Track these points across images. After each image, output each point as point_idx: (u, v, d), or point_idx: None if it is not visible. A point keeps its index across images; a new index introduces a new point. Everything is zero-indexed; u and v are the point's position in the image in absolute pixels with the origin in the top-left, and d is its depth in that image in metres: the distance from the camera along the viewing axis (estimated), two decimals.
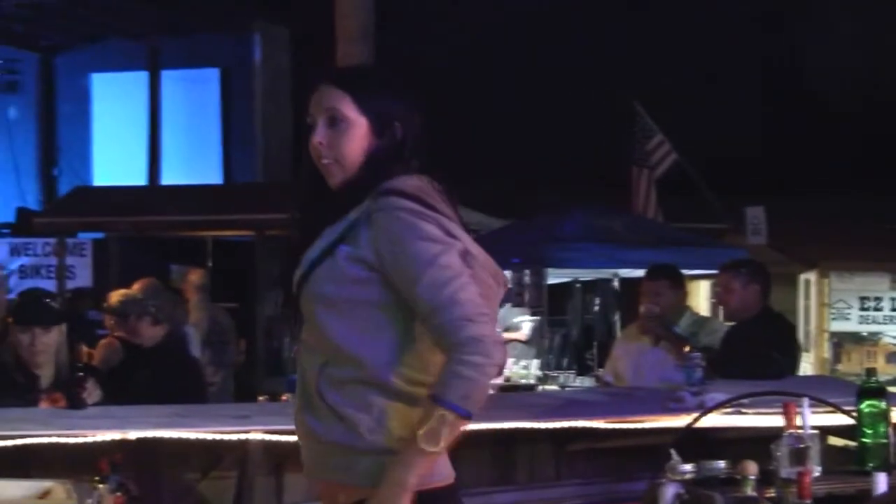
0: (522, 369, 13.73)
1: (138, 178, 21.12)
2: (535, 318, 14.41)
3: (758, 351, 6.76)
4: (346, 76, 3.57)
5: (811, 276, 15.70)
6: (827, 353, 15.46)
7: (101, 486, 4.61)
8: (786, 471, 4.43)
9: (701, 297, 15.74)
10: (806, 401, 4.63)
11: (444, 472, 3.32)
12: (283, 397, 8.69)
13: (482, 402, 3.16)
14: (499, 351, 3.13)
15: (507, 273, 13.05)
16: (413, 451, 3.14)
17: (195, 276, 11.09)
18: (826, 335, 15.50)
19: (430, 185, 3.31)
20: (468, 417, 3.14)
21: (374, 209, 3.26)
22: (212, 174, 22.83)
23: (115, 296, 9.03)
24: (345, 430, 3.29)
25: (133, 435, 4.99)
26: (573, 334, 16.75)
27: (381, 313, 3.27)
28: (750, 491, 4.24)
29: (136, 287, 9.17)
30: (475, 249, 3.27)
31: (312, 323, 3.36)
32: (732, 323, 7.39)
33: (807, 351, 15.23)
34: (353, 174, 3.38)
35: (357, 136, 3.41)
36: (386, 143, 3.39)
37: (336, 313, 3.31)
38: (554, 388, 12.74)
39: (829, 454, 5.33)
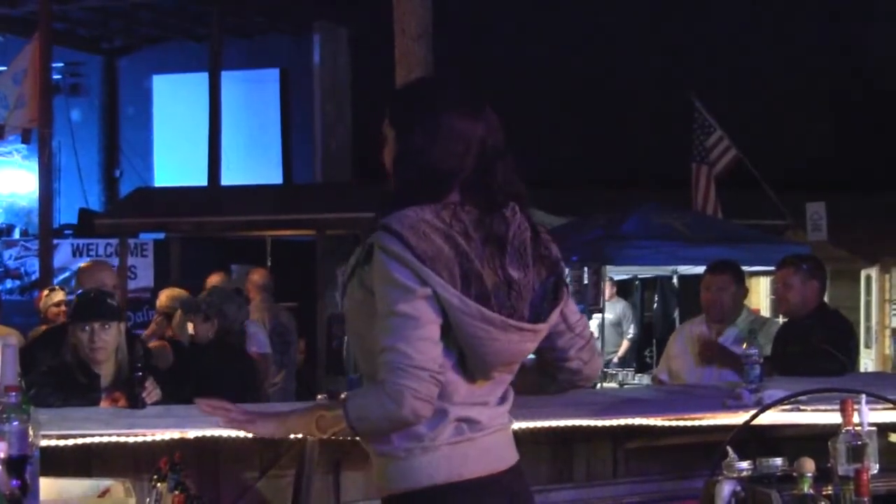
0: None
1: (199, 178, 21.23)
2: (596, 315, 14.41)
3: (816, 348, 6.72)
4: (388, 94, 3.71)
5: (873, 271, 15.58)
6: (889, 349, 15.33)
7: (160, 484, 4.65)
8: (843, 468, 4.39)
9: (761, 293, 15.65)
10: (864, 397, 4.60)
11: (442, 472, 3.42)
12: (342, 396, 8.71)
13: (372, 435, 3.42)
14: (412, 408, 3.27)
15: (566, 271, 13.07)
16: (306, 418, 3.56)
17: (257, 276, 11.14)
18: (888, 331, 15.38)
19: (439, 216, 3.35)
20: (354, 431, 3.40)
21: (371, 241, 3.39)
22: (272, 174, 22.95)
23: (164, 295, 9.13)
24: None
25: (192, 434, 5.02)
26: (632, 332, 16.69)
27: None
28: (807, 489, 4.20)
29: (211, 282, 9.32)
30: (454, 298, 3.29)
31: None
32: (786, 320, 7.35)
33: (868, 347, 15.12)
34: None
35: (388, 150, 3.57)
36: (401, 150, 3.50)
37: (353, 328, 3.56)
38: (612, 385, 12.72)
39: (888, 451, 5.29)
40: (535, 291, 3.45)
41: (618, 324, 15.23)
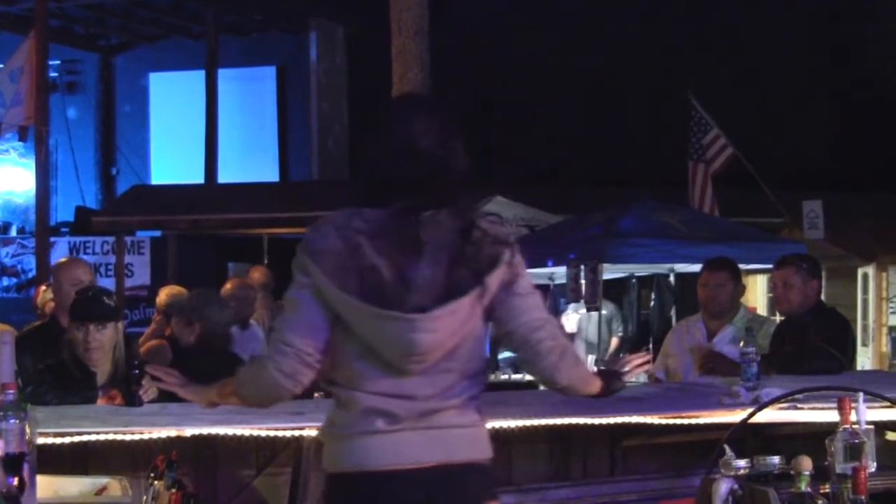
0: None
1: (195, 176, 21.24)
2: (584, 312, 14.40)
3: (813, 346, 6.71)
4: None
5: (869, 270, 15.57)
6: (886, 347, 15.32)
7: (157, 482, 4.64)
8: (841, 466, 4.40)
9: (758, 291, 15.64)
10: (861, 396, 4.60)
11: (333, 461, 3.67)
12: None
13: (251, 402, 3.81)
14: (272, 379, 3.63)
15: (562, 269, 13.08)
16: (215, 388, 3.90)
17: (258, 274, 11.10)
18: (885, 329, 15.37)
19: (346, 215, 3.62)
20: (239, 398, 3.79)
21: None
22: (268, 172, 22.94)
23: (164, 293, 9.06)
24: None
25: (189, 432, 5.02)
26: (629, 330, 16.68)
27: None
28: (804, 487, 4.20)
29: (228, 287, 9.26)
30: (329, 288, 3.57)
31: None
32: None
33: (865, 345, 15.11)
34: None
35: None
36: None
37: None
38: None
39: (886, 450, 5.29)
40: (443, 287, 3.59)
41: (610, 321, 15.23)
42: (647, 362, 4.21)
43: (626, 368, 4.13)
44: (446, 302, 3.58)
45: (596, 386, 3.97)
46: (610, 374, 4.08)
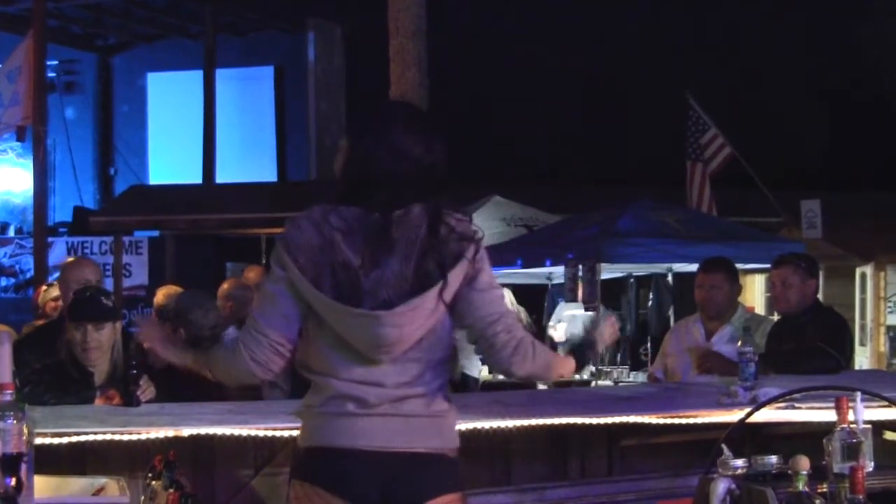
0: None
1: (194, 176, 21.23)
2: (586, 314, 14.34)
3: (811, 345, 6.71)
4: None
5: (868, 269, 15.57)
6: (884, 346, 15.32)
7: (154, 482, 4.64)
8: (838, 466, 4.40)
9: (756, 291, 15.64)
10: (859, 395, 4.60)
11: (306, 437, 3.94)
12: None
13: (221, 380, 4.15)
14: (246, 366, 3.88)
15: (560, 269, 13.07)
16: (193, 354, 4.19)
17: (253, 274, 11.06)
18: (883, 329, 15.37)
19: (322, 211, 3.85)
20: (211, 372, 4.06)
21: None
22: (266, 172, 22.94)
23: (161, 293, 9.04)
24: None
25: (187, 432, 5.02)
26: (627, 330, 16.67)
27: None
28: (802, 486, 4.20)
29: (225, 287, 9.23)
30: (301, 282, 3.77)
31: None
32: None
33: (863, 345, 15.10)
34: None
35: None
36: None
37: None
38: (607, 383, 12.68)
39: (883, 449, 5.29)
40: (410, 282, 3.77)
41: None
42: (618, 327, 4.33)
43: (597, 338, 4.30)
44: (411, 297, 3.73)
45: (568, 367, 4.11)
46: (581, 348, 4.32)
